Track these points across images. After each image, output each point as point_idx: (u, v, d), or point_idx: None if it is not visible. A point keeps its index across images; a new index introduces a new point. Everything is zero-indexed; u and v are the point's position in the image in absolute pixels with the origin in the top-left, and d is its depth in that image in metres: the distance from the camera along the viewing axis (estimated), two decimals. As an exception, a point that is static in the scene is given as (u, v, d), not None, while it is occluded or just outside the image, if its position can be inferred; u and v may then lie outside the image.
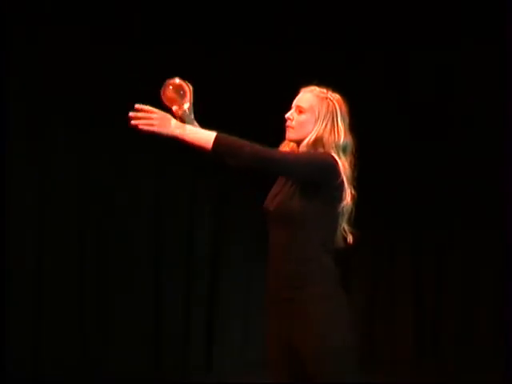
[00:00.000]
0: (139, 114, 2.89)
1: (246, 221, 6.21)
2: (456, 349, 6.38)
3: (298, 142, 3.03)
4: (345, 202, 2.97)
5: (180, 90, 2.96)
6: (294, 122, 3.01)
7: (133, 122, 2.88)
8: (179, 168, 6.16)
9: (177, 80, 2.97)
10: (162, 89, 2.99)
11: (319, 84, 3.08)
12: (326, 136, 2.98)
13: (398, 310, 6.54)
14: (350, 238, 3.04)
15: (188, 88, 2.98)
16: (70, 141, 5.89)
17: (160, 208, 6.21)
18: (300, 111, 3.02)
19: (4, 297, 5.48)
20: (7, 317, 5.49)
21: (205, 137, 2.82)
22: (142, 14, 6.02)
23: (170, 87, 2.97)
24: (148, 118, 2.87)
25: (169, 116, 2.88)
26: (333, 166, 2.93)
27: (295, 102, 3.05)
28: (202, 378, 6.02)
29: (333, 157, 2.95)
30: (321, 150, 2.97)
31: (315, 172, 2.90)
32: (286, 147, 3.09)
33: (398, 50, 6.30)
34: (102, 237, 6.00)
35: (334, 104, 3.03)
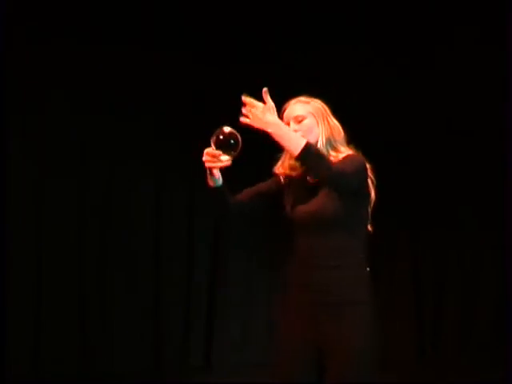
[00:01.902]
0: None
1: (246, 221, 6.21)
2: (456, 349, 6.39)
3: None
4: (372, 199, 3.06)
5: (230, 140, 2.89)
6: (301, 132, 3.03)
7: (242, 119, 2.86)
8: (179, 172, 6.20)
9: (226, 129, 2.90)
10: (215, 137, 2.91)
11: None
12: (334, 133, 3.06)
13: (398, 310, 6.55)
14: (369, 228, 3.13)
15: (238, 139, 2.90)
16: (70, 141, 5.91)
17: (160, 206, 6.21)
18: (299, 120, 3.05)
19: (4, 297, 5.47)
20: (7, 317, 5.49)
21: (294, 144, 2.83)
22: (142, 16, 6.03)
23: (221, 137, 2.89)
24: (249, 112, 2.86)
25: (267, 110, 2.84)
26: (366, 165, 3.00)
27: (289, 116, 3.07)
28: (201, 378, 6.02)
29: (362, 155, 3.02)
30: (338, 148, 3.04)
31: (362, 180, 2.99)
32: (290, 159, 3.10)
33: (399, 50, 6.30)
34: (102, 236, 6.01)
35: (321, 104, 3.10)
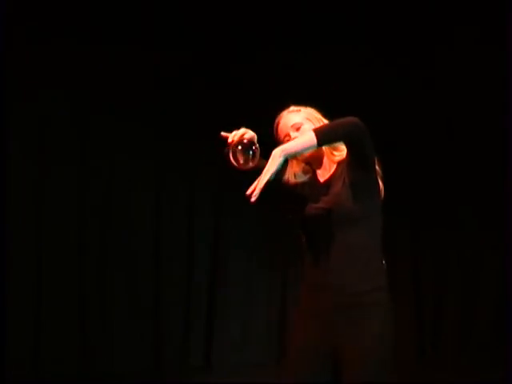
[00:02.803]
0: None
1: (246, 222, 6.22)
2: (456, 349, 6.39)
3: (312, 158, 3.06)
4: (381, 191, 3.05)
5: (249, 150, 2.83)
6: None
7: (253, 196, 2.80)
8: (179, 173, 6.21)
9: (246, 138, 2.85)
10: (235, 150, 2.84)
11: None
12: None
13: (398, 310, 6.53)
14: None
15: (256, 150, 2.85)
16: (70, 141, 5.92)
17: (160, 206, 6.21)
18: (297, 128, 3.05)
19: (4, 297, 5.47)
20: (7, 317, 5.49)
21: (307, 141, 2.83)
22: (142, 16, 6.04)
23: (239, 147, 2.82)
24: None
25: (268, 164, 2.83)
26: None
27: (286, 126, 3.06)
28: (201, 378, 6.02)
29: None
30: (338, 146, 3.04)
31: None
32: (296, 167, 3.10)
33: (399, 50, 6.30)
34: (102, 236, 6.01)
35: (311, 110, 3.12)
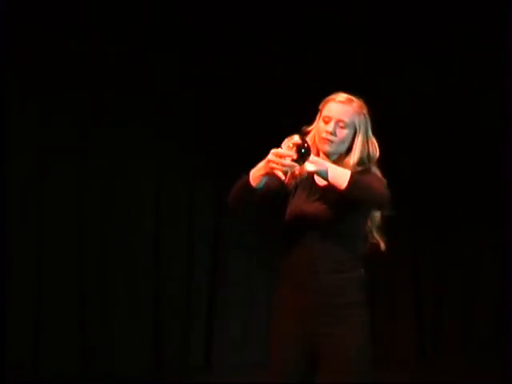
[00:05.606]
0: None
1: (246, 222, 6.22)
2: (456, 349, 6.39)
3: (330, 155, 3.03)
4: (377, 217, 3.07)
5: (302, 149, 2.81)
6: (334, 137, 2.99)
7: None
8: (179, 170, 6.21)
9: (296, 137, 2.84)
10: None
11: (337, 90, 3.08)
12: (369, 152, 3.05)
13: (398, 310, 6.55)
14: (382, 246, 3.12)
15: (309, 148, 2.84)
16: (70, 141, 5.92)
17: (160, 206, 6.21)
18: (341, 126, 3.00)
19: (4, 297, 5.47)
20: (7, 317, 5.49)
21: (340, 178, 2.81)
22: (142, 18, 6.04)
23: (290, 144, 2.81)
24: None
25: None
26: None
27: (331, 114, 3.00)
28: (201, 378, 6.03)
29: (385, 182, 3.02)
30: (369, 168, 3.02)
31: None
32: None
33: (399, 50, 6.31)
34: (102, 236, 6.01)
35: (367, 117, 3.07)
